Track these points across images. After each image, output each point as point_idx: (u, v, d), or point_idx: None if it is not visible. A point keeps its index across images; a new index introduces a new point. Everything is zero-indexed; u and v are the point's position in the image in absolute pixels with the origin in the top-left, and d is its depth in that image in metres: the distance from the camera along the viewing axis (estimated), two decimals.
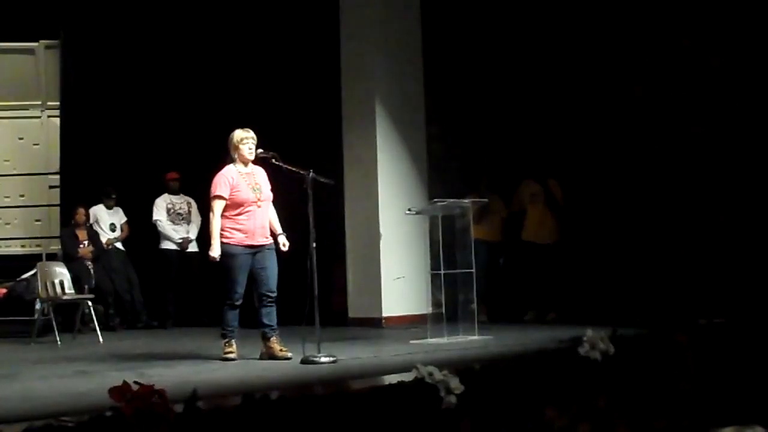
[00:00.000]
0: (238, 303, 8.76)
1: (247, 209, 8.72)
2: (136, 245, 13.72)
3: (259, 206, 8.75)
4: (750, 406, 6.14)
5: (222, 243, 8.72)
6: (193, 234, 13.45)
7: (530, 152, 12.99)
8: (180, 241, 13.38)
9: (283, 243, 8.90)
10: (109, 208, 13.62)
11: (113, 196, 13.60)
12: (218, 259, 8.70)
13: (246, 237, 8.71)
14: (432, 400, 5.73)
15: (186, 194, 13.60)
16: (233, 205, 8.73)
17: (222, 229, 8.75)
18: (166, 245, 13.47)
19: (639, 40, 12.39)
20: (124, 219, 13.68)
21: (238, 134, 8.86)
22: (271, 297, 8.78)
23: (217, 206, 8.76)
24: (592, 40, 12.75)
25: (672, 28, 12.10)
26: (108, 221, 13.54)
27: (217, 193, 8.76)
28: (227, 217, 8.76)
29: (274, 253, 8.86)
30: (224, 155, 8.99)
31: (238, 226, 8.72)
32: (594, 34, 12.74)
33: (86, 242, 13.01)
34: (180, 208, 13.55)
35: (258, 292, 8.80)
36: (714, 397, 6.49)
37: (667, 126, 12.06)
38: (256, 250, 8.75)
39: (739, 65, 11.55)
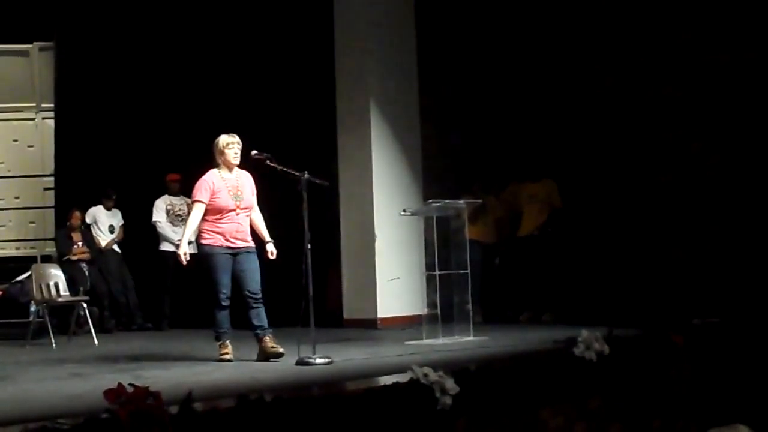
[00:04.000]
0: (225, 303, 8.78)
1: (225, 215, 8.79)
2: (132, 247, 13.71)
3: (237, 213, 8.81)
4: (744, 406, 6.16)
5: (202, 244, 8.85)
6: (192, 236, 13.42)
7: (526, 153, 12.99)
8: (178, 242, 13.32)
9: (271, 251, 8.93)
10: (108, 209, 13.61)
11: (113, 198, 13.58)
12: (187, 259, 8.80)
13: (224, 238, 8.77)
14: (427, 401, 5.74)
15: (185, 196, 13.56)
16: (213, 210, 8.80)
17: (202, 231, 8.86)
18: (165, 247, 13.43)
19: (633, 38, 12.41)
20: (122, 222, 13.68)
21: (224, 139, 8.90)
22: (255, 298, 8.80)
23: (196, 209, 8.87)
24: (585, 40, 12.77)
25: (667, 23, 12.12)
26: (107, 223, 13.54)
27: (197, 198, 8.86)
28: (207, 220, 8.85)
29: (255, 256, 8.90)
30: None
31: (216, 229, 8.79)
32: (587, 33, 12.76)
33: (80, 243, 13.01)
34: (180, 210, 13.51)
35: (242, 295, 8.82)
36: (709, 397, 6.51)
37: (662, 126, 12.08)
38: (235, 251, 8.80)
39: (737, 64, 11.57)
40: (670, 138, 12.03)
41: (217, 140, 8.94)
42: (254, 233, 9.05)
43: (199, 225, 8.91)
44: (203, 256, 8.81)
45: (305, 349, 8.24)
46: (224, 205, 8.75)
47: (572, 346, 7.23)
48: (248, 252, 8.87)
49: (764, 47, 11.37)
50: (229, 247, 8.77)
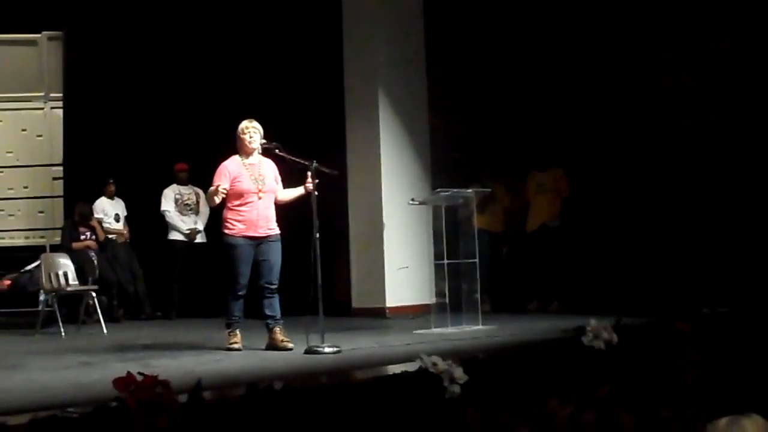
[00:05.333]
0: (241, 293, 8.76)
1: (248, 200, 8.71)
2: (141, 236, 13.73)
3: (260, 197, 8.73)
4: (754, 395, 6.15)
5: (224, 234, 8.78)
6: (200, 225, 13.44)
7: (534, 141, 12.98)
8: (188, 231, 13.37)
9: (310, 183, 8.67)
10: (110, 197, 13.59)
11: (113, 185, 13.56)
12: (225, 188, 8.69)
13: (247, 228, 8.71)
14: (436, 389, 5.75)
15: (193, 185, 13.58)
16: (234, 196, 8.74)
17: (225, 221, 8.80)
18: (174, 236, 13.45)
19: (643, 25, 12.39)
20: (125, 212, 13.70)
21: (242, 125, 8.89)
22: (271, 288, 8.78)
23: None
24: (596, 29, 12.75)
25: (676, 14, 12.10)
26: (112, 212, 13.51)
27: (216, 184, 8.78)
28: (229, 209, 8.78)
29: (279, 246, 8.85)
30: (229, 146, 9.03)
31: (239, 217, 8.72)
32: (597, 23, 12.74)
33: (88, 234, 13.01)
34: (188, 199, 13.52)
35: (259, 284, 8.81)
36: (717, 386, 6.50)
37: (671, 115, 12.06)
38: (258, 241, 8.75)
39: (747, 51, 11.55)
40: (677, 127, 12.01)
41: (238, 126, 8.95)
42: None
43: (223, 213, 8.88)
44: (225, 245, 8.77)
45: (314, 338, 8.26)
46: (246, 189, 8.71)
47: (581, 335, 7.24)
48: (272, 241, 8.82)
49: None
50: (253, 237, 8.74)
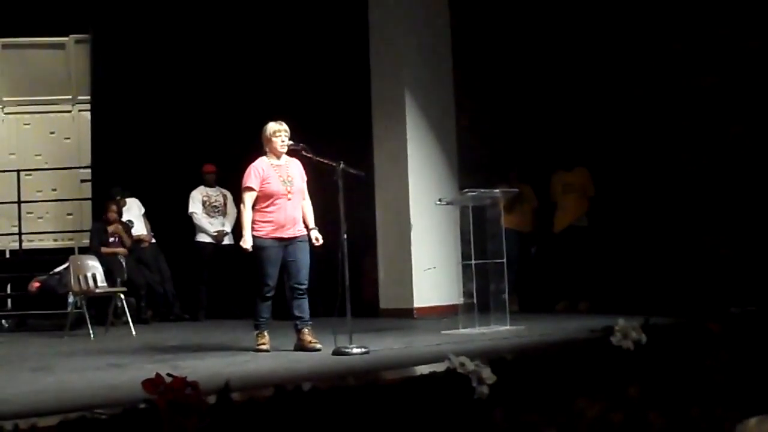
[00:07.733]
0: (269, 295, 8.77)
1: (276, 201, 8.72)
2: (169, 237, 13.77)
3: (289, 199, 8.74)
4: None
5: (253, 236, 8.75)
6: (228, 227, 13.46)
7: (562, 142, 12.95)
8: (215, 233, 13.40)
9: (316, 237, 8.87)
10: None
11: (117, 199, 13.45)
12: (250, 251, 8.72)
13: (275, 229, 8.71)
14: (464, 390, 5.73)
15: (221, 187, 13.62)
16: (263, 197, 8.75)
17: (253, 222, 8.78)
18: (202, 238, 13.49)
19: (670, 26, 12.35)
20: (143, 209, 13.72)
21: (271, 127, 8.88)
22: (300, 289, 8.78)
23: (248, 198, 8.79)
24: (622, 29, 12.71)
25: (706, 14, 12.06)
26: (124, 218, 13.48)
27: (247, 184, 8.79)
28: (258, 210, 8.79)
29: (307, 246, 8.84)
30: (256, 147, 9.02)
31: (267, 219, 8.73)
32: (623, 23, 12.70)
33: (116, 236, 13.03)
34: (216, 201, 13.57)
35: (288, 285, 8.82)
36: (747, 385, 6.46)
37: (699, 114, 12.01)
38: (287, 242, 8.75)
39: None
40: (706, 125, 11.96)
41: (265, 128, 8.92)
42: (317, 218, 9.05)
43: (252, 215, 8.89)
44: (253, 247, 8.76)
45: (342, 339, 8.26)
46: (275, 191, 8.72)
47: (609, 335, 7.21)
48: (300, 242, 8.81)
49: None
50: (281, 239, 8.74)
